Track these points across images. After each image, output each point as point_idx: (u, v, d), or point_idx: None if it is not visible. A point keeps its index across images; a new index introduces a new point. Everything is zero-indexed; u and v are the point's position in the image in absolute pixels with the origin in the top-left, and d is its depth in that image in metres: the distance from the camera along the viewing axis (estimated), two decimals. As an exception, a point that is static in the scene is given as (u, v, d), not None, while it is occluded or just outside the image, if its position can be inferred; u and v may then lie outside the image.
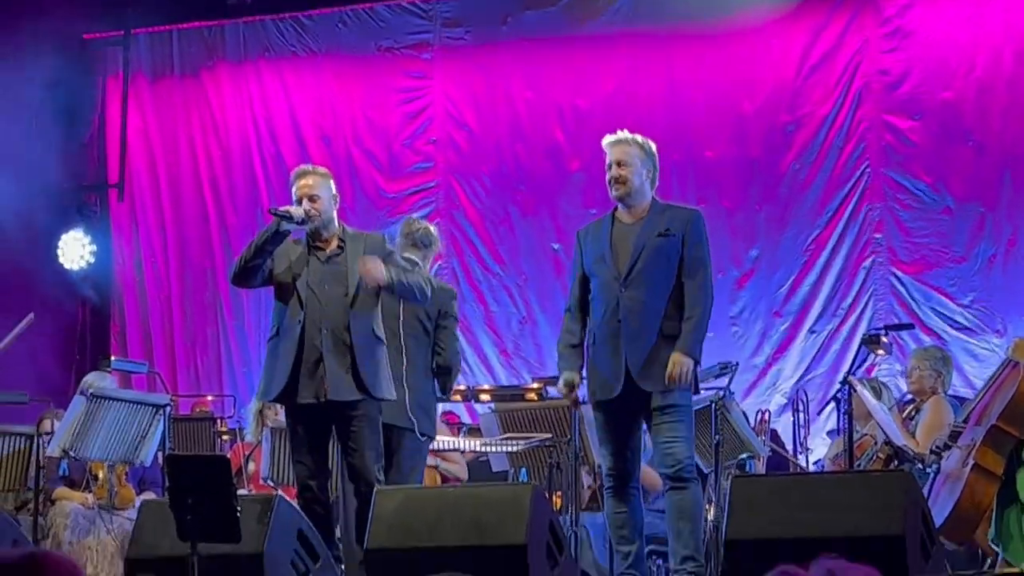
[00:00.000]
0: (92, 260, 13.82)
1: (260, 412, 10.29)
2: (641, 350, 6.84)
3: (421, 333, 8.01)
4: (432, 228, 8.45)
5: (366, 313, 7.40)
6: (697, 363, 6.87)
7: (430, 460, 9.52)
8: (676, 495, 6.83)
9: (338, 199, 7.57)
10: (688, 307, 6.91)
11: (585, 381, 7.08)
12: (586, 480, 9.45)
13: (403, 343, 7.90)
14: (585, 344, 7.09)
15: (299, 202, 7.44)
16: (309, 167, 7.68)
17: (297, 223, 7.38)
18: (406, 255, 8.16)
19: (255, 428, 10.30)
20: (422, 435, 7.88)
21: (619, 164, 7.03)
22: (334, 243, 7.49)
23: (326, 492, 7.38)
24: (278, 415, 9.91)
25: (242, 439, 10.91)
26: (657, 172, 7.13)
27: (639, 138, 7.12)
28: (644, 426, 7.01)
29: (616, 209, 7.15)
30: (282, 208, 7.43)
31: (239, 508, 5.84)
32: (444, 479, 9.58)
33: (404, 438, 7.84)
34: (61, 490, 9.50)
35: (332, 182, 7.58)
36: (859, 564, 2.11)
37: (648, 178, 7.07)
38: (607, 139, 7.15)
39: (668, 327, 6.88)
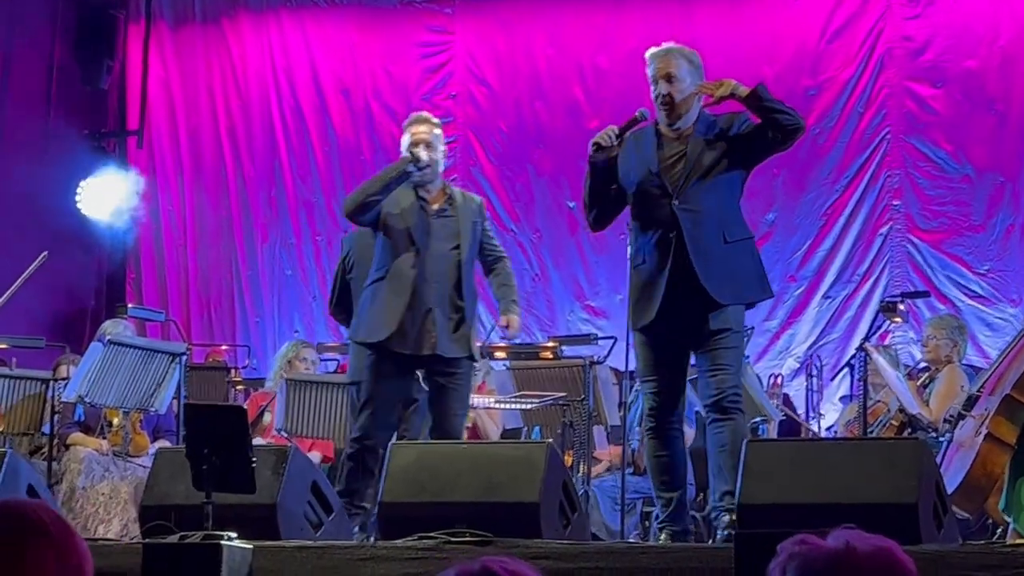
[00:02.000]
0: (110, 207, 13.83)
1: (289, 363, 10.22)
2: (712, 261, 6.47)
3: None
4: None
5: (471, 273, 7.46)
6: (761, 89, 6.50)
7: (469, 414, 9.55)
8: (718, 427, 6.50)
9: (446, 154, 7.59)
10: None
11: (630, 307, 6.68)
12: (599, 444, 9.48)
13: None
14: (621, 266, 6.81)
15: (414, 147, 7.38)
16: (426, 114, 7.64)
17: (419, 169, 7.36)
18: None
19: (277, 377, 10.25)
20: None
21: (668, 79, 6.59)
22: (442, 198, 7.49)
23: (384, 447, 6.98)
24: (308, 368, 9.92)
25: (255, 389, 10.94)
26: None
27: (683, 48, 6.70)
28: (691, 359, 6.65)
29: (657, 123, 6.72)
30: (415, 149, 7.36)
31: (254, 459, 5.87)
32: (474, 434, 9.58)
33: None
34: (76, 435, 9.54)
35: (442, 133, 7.58)
36: (877, 535, 2.12)
37: (697, 95, 6.63)
38: (649, 52, 6.72)
39: (731, 232, 6.58)
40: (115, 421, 9.41)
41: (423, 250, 7.32)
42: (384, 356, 7.30)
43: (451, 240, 7.38)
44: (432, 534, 6.02)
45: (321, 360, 10.83)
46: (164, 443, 9.42)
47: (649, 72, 6.68)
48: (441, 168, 7.51)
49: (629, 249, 7.01)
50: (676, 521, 6.63)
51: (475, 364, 7.62)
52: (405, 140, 7.48)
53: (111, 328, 9.60)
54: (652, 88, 6.66)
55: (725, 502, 6.42)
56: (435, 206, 7.43)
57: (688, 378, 6.83)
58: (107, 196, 13.69)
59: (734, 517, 6.13)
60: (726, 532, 6.32)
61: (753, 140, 6.60)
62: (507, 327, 7.59)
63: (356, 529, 7.22)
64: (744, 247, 6.64)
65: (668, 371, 6.62)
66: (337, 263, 8.43)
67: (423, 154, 7.33)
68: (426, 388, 7.53)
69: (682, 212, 6.51)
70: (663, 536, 6.64)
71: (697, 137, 6.62)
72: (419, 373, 7.49)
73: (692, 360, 6.76)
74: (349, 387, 7.75)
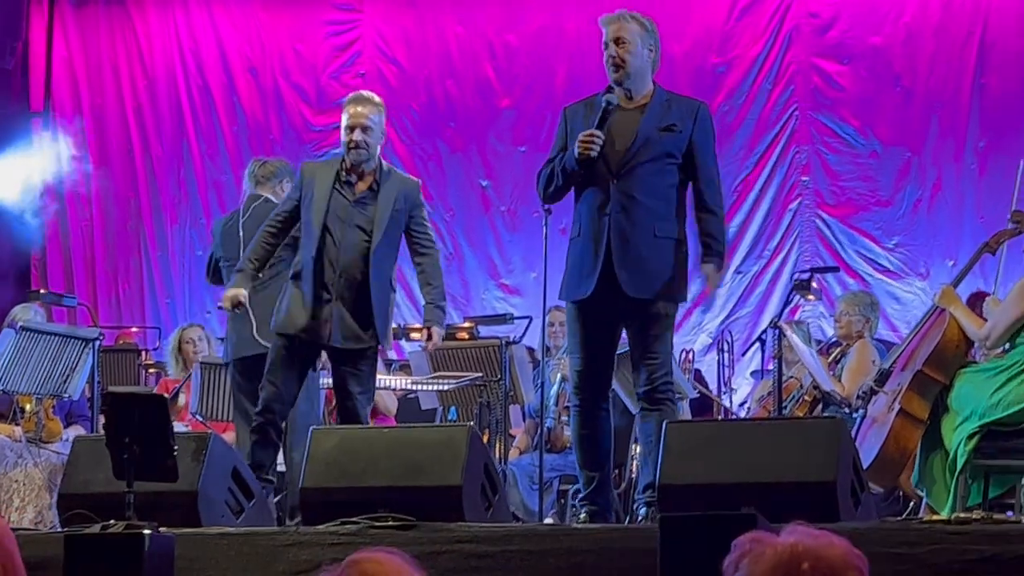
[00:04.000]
0: (15, 189, 13.65)
1: (179, 349, 10.22)
2: (631, 252, 6.41)
3: None
4: (278, 161, 8.52)
5: (386, 261, 7.33)
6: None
7: None
8: (647, 417, 6.50)
9: (385, 135, 7.43)
10: (708, 211, 6.54)
11: (564, 278, 6.61)
12: (515, 423, 9.52)
13: None
14: (569, 236, 6.64)
15: (350, 130, 7.25)
16: (367, 94, 7.46)
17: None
18: (258, 192, 8.22)
19: (175, 365, 10.27)
20: None
21: (617, 42, 6.47)
22: (368, 182, 7.34)
23: (284, 419, 7.32)
24: (197, 353, 9.90)
25: (166, 373, 10.88)
26: (659, 54, 6.61)
27: (639, 15, 6.56)
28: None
29: (610, 89, 6.60)
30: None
31: (176, 448, 5.84)
32: (374, 412, 9.59)
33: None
34: (-13, 422, 9.44)
35: (384, 114, 7.41)
36: (826, 533, 2.16)
37: (650, 60, 6.55)
38: (604, 17, 6.59)
39: (662, 228, 6.46)
40: (28, 407, 9.32)
41: (335, 239, 7.23)
42: (291, 342, 7.28)
43: (365, 229, 7.25)
44: (354, 519, 6.02)
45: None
46: (78, 429, 9.35)
47: (603, 38, 6.57)
48: (376, 150, 7.32)
49: (544, 228, 7.02)
50: (597, 500, 6.64)
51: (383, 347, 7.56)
52: (343, 120, 7.36)
53: (21, 314, 9.50)
54: (604, 51, 6.55)
55: (647, 495, 6.45)
56: (358, 191, 7.31)
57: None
58: (12, 178, 13.51)
59: (651, 511, 6.24)
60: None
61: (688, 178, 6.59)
62: (428, 339, 7.43)
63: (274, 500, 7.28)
64: (670, 246, 6.50)
65: (597, 347, 6.57)
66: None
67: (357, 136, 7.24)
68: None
69: (617, 195, 6.44)
70: (583, 513, 6.65)
71: (651, 117, 6.50)
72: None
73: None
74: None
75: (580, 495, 6.77)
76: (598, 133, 6.41)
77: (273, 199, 8.19)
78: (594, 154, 6.40)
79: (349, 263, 7.23)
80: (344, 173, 7.30)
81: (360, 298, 7.23)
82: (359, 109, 7.29)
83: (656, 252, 6.46)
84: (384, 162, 7.43)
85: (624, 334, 6.70)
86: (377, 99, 7.43)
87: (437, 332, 7.40)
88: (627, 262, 6.41)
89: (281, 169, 8.34)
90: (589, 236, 6.49)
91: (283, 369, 7.26)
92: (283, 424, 7.32)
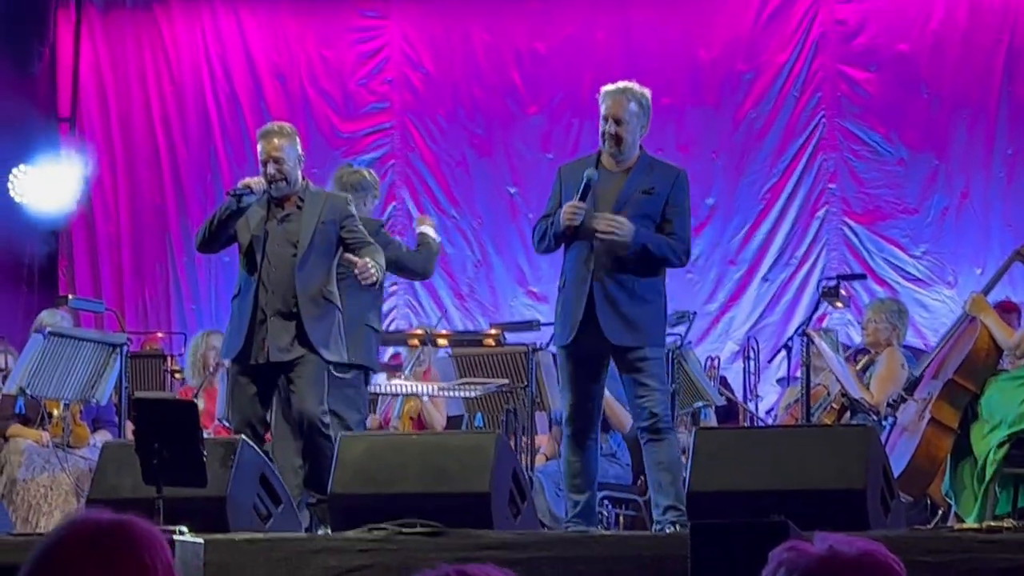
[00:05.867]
0: (43, 195, 13.67)
1: (203, 356, 10.24)
2: (611, 308, 6.85)
3: None
4: (367, 173, 8.46)
5: (315, 274, 7.38)
6: (635, 245, 6.82)
7: (413, 402, 9.55)
8: (653, 447, 6.86)
9: (303, 158, 7.57)
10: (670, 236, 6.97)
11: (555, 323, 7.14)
12: (541, 430, 9.51)
13: None
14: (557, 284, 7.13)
15: (264, 164, 7.43)
16: (275, 126, 7.64)
17: (259, 194, 7.37)
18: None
19: (193, 371, 10.28)
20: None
21: (617, 122, 6.95)
22: (294, 201, 7.49)
23: (260, 440, 7.38)
24: (220, 362, 9.91)
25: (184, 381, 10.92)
26: (649, 123, 7.12)
27: (635, 89, 7.05)
28: (609, 372, 7.03)
29: (601, 151, 7.10)
30: (241, 185, 7.40)
31: (205, 453, 5.85)
32: (419, 425, 9.58)
33: None
34: (15, 427, 9.47)
35: (298, 139, 7.56)
36: (863, 539, 2.15)
37: (641, 133, 7.07)
38: (605, 88, 7.07)
39: (642, 287, 6.93)
40: (55, 412, 9.35)
41: (264, 259, 7.39)
42: (242, 369, 7.44)
43: (292, 244, 7.40)
44: (382, 525, 6.04)
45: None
46: (105, 434, 9.38)
47: (601, 108, 7.02)
48: (297, 175, 7.46)
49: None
50: (583, 521, 6.93)
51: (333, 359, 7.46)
52: (259, 155, 7.54)
53: (48, 319, 9.52)
54: (601, 123, 7.01)
55: (669, 515, 6.74)
56: (284, 211, 7.47)
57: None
58: (40, 184, 13.55)
59: (678, 529, 6.44)
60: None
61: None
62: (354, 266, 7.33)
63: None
64: (649, 303, 6.94)
65: (585, 384, 6.96)
66: None
67: (257, 184, 7.37)
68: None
69: (600, 255, 6.90)
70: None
71: (634, 180, 7.00)
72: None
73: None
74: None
75: (568, 516, 7.10)
76: (581, 205, 6.88)
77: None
78: (577, 223, 6.87)
79: (280, 280, 7.37)
80: (272, 202, 7.48)
81: (291, 313, 7.33)
82: (267, 144, 7.47)
83: (635, 308, 6.91)
84: (310, 182, 7.62)
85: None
86: (285, 127, 7.66)
87: (361, 261, 7.27)
88: (608, 316, 6.87)
89: (372, 183, 8.33)
90: (573, 288, 6.94)
91: (245, 395, 7.40)
92: (262, 443, 7.35)
